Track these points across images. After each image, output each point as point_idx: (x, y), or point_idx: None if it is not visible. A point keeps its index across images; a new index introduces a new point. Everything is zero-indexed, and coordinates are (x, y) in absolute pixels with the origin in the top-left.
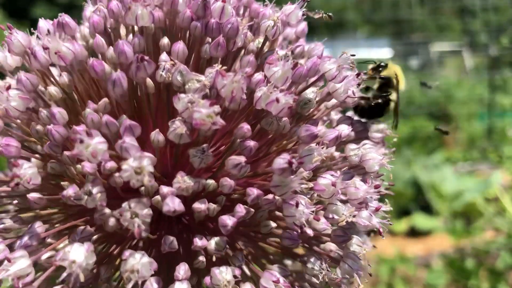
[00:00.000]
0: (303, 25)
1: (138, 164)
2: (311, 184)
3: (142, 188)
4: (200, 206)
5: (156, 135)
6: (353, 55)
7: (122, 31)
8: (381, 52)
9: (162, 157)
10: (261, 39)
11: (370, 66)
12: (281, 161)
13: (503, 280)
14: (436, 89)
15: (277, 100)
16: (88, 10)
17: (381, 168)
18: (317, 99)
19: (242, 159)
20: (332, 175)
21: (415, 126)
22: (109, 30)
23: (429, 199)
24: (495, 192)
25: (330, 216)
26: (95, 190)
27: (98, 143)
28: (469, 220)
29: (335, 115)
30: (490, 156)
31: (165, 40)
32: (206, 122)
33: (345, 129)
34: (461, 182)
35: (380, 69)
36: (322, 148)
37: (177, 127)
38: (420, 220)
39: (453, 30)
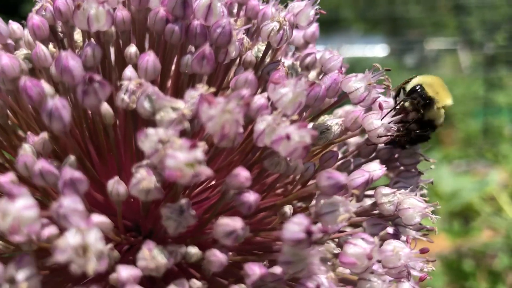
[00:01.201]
0: (314, 28)
1: (80, 241)
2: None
3: None
4: None
5: (115, 186)
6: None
7: (78, 36)
8: (377, 49)
9: (131, 200)
10: (261, 45)
11: (407, 104)
12: (295, 227)
13: (501, 281)
14: None
15: (288, 136)
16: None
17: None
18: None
19: (237, 224)
20: (364, 239)
21: None
22: (60, 35)
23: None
24: (492, 191)
25: None
26: (21, 276)
27: (22, 208)
28: (466, 220)
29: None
30: (486, 154)
31: (131, 49)
32: (185, 173)
33: (376, 169)
34: (458, 181)
35: (416, 94)
36: (351, 200)
37: (142, 178)
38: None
39: (448, 27)
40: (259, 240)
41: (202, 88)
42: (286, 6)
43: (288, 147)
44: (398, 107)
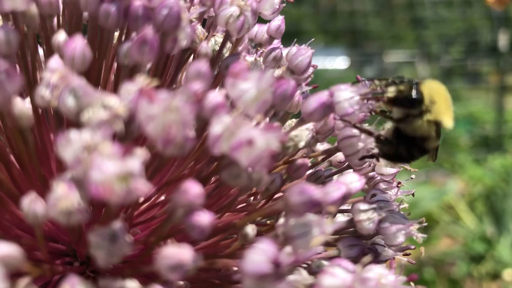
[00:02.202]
0: (279, 20)
1: None
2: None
3: None
4: None
5: (32, 206)
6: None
7: None
8: (337, 61)
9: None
10: (218, 37)
11: (391, 89)
12: (258, 258)
13: None
14: None
15: (251, 142)
16: None
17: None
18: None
19: (185, 255)
20: (343, 267)
21: None
22: None
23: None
24: (450, 200)
25: None
26: None
27: None
28: (426, 229)
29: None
30: (444, 164)
31: (60, 37)
32: (115, 189)
33: (354, 181)
34: (417, 190)
35: (410, 103)
36: (326, 219)
37: (61, 196)
38: None
39: (407, 40)
40: (215, 267)
41: (142, 81)
42: None
43: (251, 155)
44: (377, 89)
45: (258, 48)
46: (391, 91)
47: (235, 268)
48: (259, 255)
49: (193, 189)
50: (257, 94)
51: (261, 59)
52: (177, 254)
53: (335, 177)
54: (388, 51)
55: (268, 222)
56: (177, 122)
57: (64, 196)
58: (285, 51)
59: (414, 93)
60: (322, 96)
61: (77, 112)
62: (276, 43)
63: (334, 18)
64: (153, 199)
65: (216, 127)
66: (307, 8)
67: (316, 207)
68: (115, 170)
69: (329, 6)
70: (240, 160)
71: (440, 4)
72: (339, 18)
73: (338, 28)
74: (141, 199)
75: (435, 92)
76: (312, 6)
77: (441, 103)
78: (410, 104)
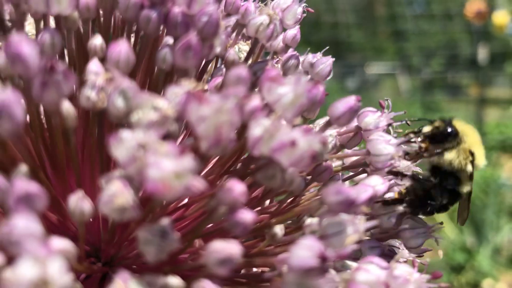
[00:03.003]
0: (295, 30)
1: (40, 274)
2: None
3: None
4: None
5: (79, 203)
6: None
7: (30, 27)
8: None
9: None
10: (242, 45)
11: (426, 128)
12: (305, 253)
13: None
14: None
15: (294, 143)
16: None
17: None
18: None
19: (234, 249)
20: (376, 264)
21: None
22: (8, 25)
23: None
24: None
25: None
26: None
27: None
28: None
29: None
30: None
31: (97, 41)
32: (172, 186)
33: (378, 184)
34: None
35: (446, 137)
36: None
37: (117, 193)
38: None
39: (388, 52)
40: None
41: (188, 84)
42: (266, 5)
43: (293, 156)
44: (412, 133)
45: (274, 56)
46: (427, 129)
47: (263, 269)
48: (306, 250)
49: (237, 186)
50: (294, 98)
51: (279, 66)
52: (226, 248)
53: (358, 178)
54: (370, 63)
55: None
56: (228, 123)
57: (120, 193)
58: (301, 58)
59: (449, 128)
60: (349, 101)
61: (127, 112)
62: (291, 51)
63: (317, 29)
64: (176, 201)
65: (256, 130)
66: None
67: (352, 206)
68: (173, 167)
69: (312, 17)
70: (281, 160)
71: (421, 17)
72: (322, 29)
73: (321, 39)
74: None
75: (466, 128)
76: None
77: (472, 137)
78: (447, 137)
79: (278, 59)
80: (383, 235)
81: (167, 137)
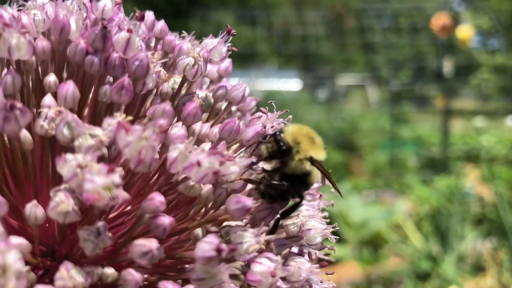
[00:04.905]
0: (227, 63)
1: (0, 262)
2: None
3: None
4: None
5: (33, 210)
6: None
7: None
8: (291, 83)
9: (46, 226)
10: (177, 78)
11: (263, 148)
12: (206, 246)
13: None
14: (342, 121)
15: (199, 163)
16: None
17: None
18: None
19: (153, 245)
20: (269, 258)
21: None
22: None
23: (337, 227)
24: (398, 220)
25: None
26: None
27: None
28: (375, 248)
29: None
30: (392, 185)
31: (51, 78)
32: (102, 196)
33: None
34: (367, 210)
35: (272, 138)
36: (262, 233)
37: (61, 201)
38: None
39: (357, 64)
40: (173, 262)
41: (119, 116)
42: (201, 42)
43: (199, 173)
44: (252, 150)
45: (210, 84)
46: (264, 151)
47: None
48: (207, 244)
49: (157, 197)
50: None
51: (211, 94)
52: (147, 243)
53: None
54: (339, 75)
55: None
56: (147, 147)
57: (63, 201)
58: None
59: (281, 145)
60: (257, 128)
61: (71, 139)
62: (225, 81)
63: (287, 41)
64: (120, 210)
65: (173, 152)
66: (261, 31)
67: (248, 212)
68: (102, 182)
69: (283, 29)
70: (191, 176)
71: (389, 30)
72: (292, 41)
73: (291, 51)
74: (111, 209)
75: (297, 134)
76: (266, 29)
77: (304, 141)
78: (282, 154)
79: (212, 88)
80: (290, 236)
81: (101, 159)
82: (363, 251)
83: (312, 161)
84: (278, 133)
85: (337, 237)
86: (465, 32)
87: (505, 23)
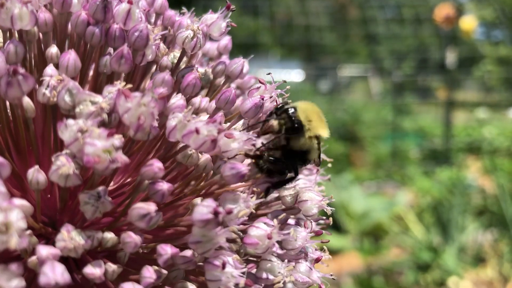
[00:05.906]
0: (227, 40)
1: (3, 219)
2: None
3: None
4: (93, 271)
5: (35, 174)
6: None
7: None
8: (293, 74)
9: (48, 197)
10: (176, 52)
11: (274, 123)
12: (203, 210)
13: None
14: (344, 112)
15: (197, 131)
16: None
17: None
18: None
19: (151, 207)
20: (266, 223)
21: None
22: None
23: (339, 218)
24: (400, 211)
25: (264, 276)
26: None
27: None
28: (376, 239)
29: None
30: (394, 176)
31: (53, 49)
32: (102, 159)
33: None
34: (368, 201)
35: (286, 114)
36: (252, 197)
37: (62, 165)
38: (330, 238)
39: (360, 55)
40: (171, 231)
41: (119, 84)
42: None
43: (197, 140)
44: (262, 123)
45: (209, 61)
46: (276, 127)
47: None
48: (204, 208)
49: (156, 164)
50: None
51: (210, 70)
52: (145, 206)
53: None
54: (342, 66)
55: None
56: (146, 113)
57: (64, 164)
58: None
59: (295, 123)
60: (255, 99)
61: (72, 106)
62: (224, 58)
63: (290, 31)
64: (120, 181)
65: (172, 121)
66: (264, 21)
67: (243, 178)
68: (103, 145)
69: (285, 19)
70: (189, 144)
71: (393, 21)
72: (295, 31)
73: (294, 41)
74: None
75: (309, 112)
76: (268, 19)
77: (315, 119)
78: (294, 131)
79: (211, 64)
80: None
81: (102, 125)
82: (364, 241)
83: (319, 140)
84: (292, 110)
85: (333, 209)
86: (469, 23)
87: (509, 14)
